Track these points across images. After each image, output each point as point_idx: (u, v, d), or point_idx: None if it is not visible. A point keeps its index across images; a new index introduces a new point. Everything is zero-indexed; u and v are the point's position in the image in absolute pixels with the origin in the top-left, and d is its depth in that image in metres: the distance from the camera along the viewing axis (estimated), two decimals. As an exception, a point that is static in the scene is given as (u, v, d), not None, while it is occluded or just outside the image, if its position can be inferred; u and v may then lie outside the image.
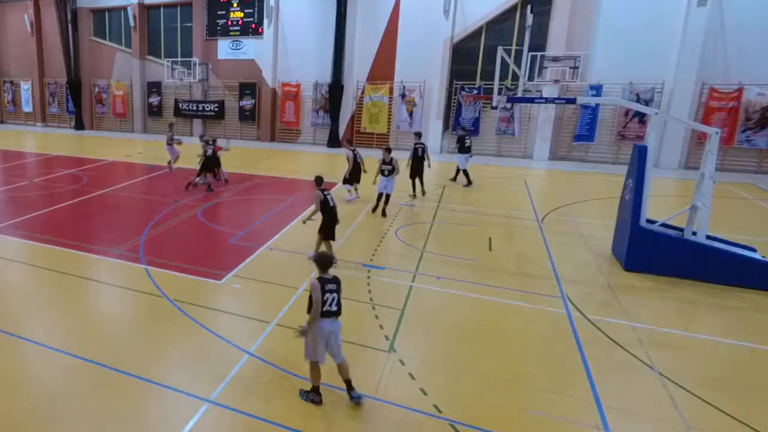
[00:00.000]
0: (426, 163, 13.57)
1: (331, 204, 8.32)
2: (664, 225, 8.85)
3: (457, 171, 15.72)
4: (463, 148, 15.37)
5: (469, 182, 15.35)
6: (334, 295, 4.93)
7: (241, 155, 19.51)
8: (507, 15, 20.58)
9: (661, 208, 11.56)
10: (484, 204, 13.29)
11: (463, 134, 15.70)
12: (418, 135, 14.80)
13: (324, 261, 5.03)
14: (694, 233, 8.45)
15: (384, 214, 11.77)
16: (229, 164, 16.80)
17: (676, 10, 17.86)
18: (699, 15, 17.35)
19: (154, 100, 28.78)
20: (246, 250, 9.45)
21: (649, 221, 8.73)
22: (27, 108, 32.87)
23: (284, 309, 7.07)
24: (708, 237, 8.38)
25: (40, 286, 8.01)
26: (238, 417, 4.89)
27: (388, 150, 11.96)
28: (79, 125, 30.70)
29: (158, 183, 15.98)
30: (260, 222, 11.57)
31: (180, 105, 27.54)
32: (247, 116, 26.29)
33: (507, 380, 5.51)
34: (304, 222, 8.78)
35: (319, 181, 8.41)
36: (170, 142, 16.76)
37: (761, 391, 5.40)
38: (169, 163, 16.98)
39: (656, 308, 7.32)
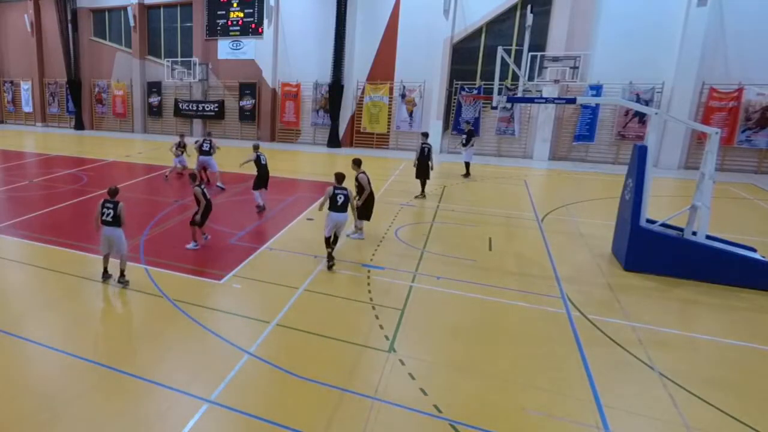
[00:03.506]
0: (430, 164, 13.83)
1: (208, 196, 9.51)
2: (664, 225, 8.85)
3: (468, 166, 16.87)
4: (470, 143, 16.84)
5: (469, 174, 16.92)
6: (110, 210, 7.51)
7: (241, 155, 19.46)
8: (507, 15, 20.59)
9: (661, 208, 11.57)
10: (484, 204, 13.29)
11: (471, 129, 17.33)
12: (425, 135, 15.00)
13: (111, 191, 7.64)
14: (694, 233, 8.45)
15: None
16: (228, 164, 16.78)
17: (676, 10, 17.87)
18: (699, 15, 17.35)
19: (154, 100, 28.78)
20: (246, 250, 9.45)
21: (649, 221, 8.73)
22: (27, 108, 32.87)
23: (284, 309, 7.08)
24: (708, 237, 8.38)
25: (40, 286, 8.01)
26: (238, 417, 4.89)
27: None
28: (79, 125, 30.69)
29: (158, 183, 15.97)
30: (260, 222, 11.57)
31: (180, 105, 27.54)
32: (247, 116, 26.30)
33: (507, 380, 5.51)
34: (197, 224, 9.42)
35: (194, 177, 9.64)
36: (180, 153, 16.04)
37: (761, 391, 5.40)
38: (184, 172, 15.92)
39: (656, 308, 7.32)
